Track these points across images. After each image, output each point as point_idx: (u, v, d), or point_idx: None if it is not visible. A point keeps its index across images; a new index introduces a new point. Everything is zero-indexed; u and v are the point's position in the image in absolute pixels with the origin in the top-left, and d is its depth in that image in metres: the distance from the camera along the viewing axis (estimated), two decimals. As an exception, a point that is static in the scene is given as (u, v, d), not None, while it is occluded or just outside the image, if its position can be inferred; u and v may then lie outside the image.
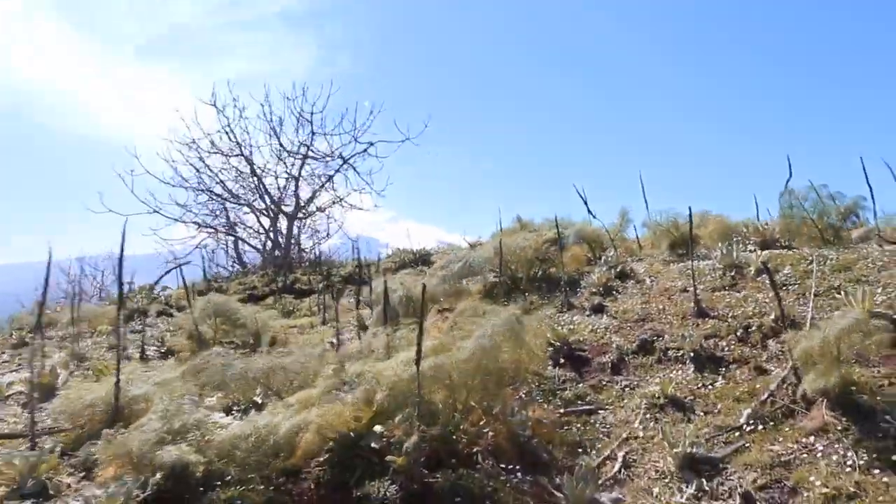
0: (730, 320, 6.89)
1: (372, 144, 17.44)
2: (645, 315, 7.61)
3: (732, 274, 8.05)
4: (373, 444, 5.06)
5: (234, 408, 6.56)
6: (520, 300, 9.10)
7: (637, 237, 11.86)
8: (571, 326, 7.69)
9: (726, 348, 6.46)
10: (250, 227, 18.22)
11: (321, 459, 5.07)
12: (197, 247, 18.40)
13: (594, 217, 11.08)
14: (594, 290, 8.69)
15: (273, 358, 6.15)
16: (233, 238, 18.11)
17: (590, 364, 6.77)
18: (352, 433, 5.17)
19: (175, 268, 12.31)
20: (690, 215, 8.09)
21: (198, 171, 17.02)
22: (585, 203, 11.11)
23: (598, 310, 8.11)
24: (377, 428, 5.14)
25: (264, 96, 17.48)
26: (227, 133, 16.81)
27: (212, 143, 16.96)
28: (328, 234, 20.13)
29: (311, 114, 17.64)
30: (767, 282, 7.49)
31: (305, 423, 4.98)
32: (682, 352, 6.52)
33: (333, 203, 18.66)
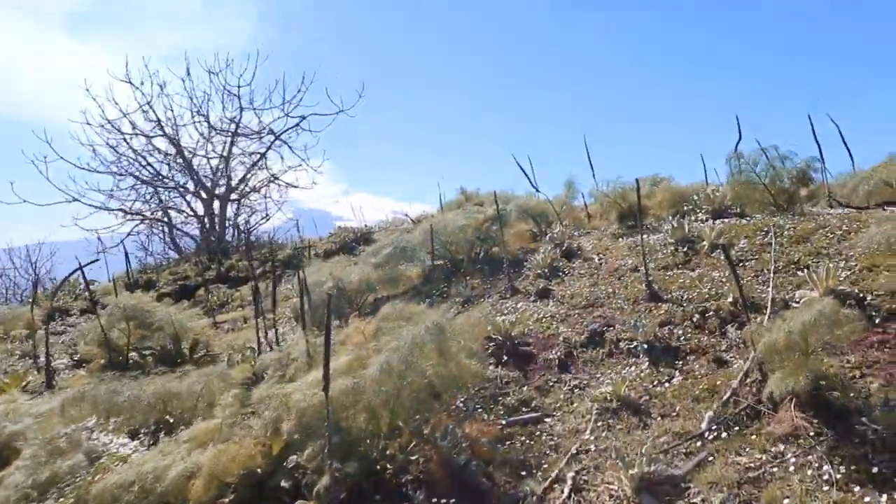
0: (685, 304, 6.27)
1: (304, 118, 16.42)
2: (594, 300, 6.96)
3: (685, 250, 7.44)
4: (283, 483, 4.32)
5: (142, 431, 5.72)
6: (460, 285, 8.39)
7: (585, 207, 11.22)
8: (515, 316, 7.00)
9: (682, 337, 5.85)
10: (184, 212, 17.06)
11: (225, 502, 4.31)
12: (129, 234, 17.21)
13: (537, 190, 10.38)
14: (539, 271, 8.01)
15: (168, 381, 5.28)
16: (164, 224, 16.94)
17: (535, 360, 6.10)
18: (259, 470, 4.41)
19: (90, 262, 11.15)
20: (638, 188, 7.40)
21: (118, 153, 15.77)
22: (525, 174, 10.39)
23: (544, 294, 7.44)
24: (290, 459, 4.39)
25: (185, 70, 16.17)
26: (144, 112, 15.55)
27: (131, 123, 15.70)
28: (267, 215, 19.08)
29: (238, 87, 16.49)
30: (723, 258, 6.92)
31: (198, 466, 4.18)
32: (634, 343, 5.88)
33: (269, 182, 17.59)
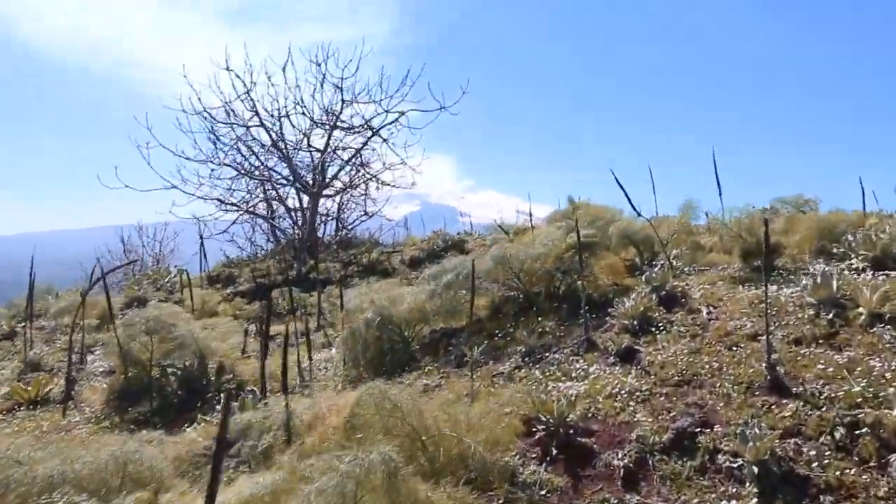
0: (823, 406, 4.26)
1: (403, 114, 15.09)
2: (691, 376, 5.04)
3: (830, 316, 5.30)
4: None
5: None
6: (527, 329, 6.69)
7: (701, 235, 9.13)
8: (583, 386, 5.22)
9: (816, 462, 3.88)
10: (278, 205, 16.31)
11: None
12: (234, 222, 16.74)
13: (638, 214, 8.38)
14: (627, 322, 6.13)
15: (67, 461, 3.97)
16: (259, 217, 16.29)
17: (594, 462, 4.32)
18: None
19: (127, 264, 10.44)
20: (767, 229, 5.27)
21: (215, 142, 15.22)
22: (624, 191, 8.45)
23: (627, 357, 5.60)
24: None
25: (287, 60, 15.33)
26: (242, 101, 14.84)
27: (230, 112, 15.05)
28: (366, 212, 17.98)
29: (342, 79, 15.47)
30: (889, 337, 4.79)
31: None
32: (739, 461, 3.98)
33: (366, 180, 16.49)
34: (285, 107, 15.57)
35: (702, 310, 6.15)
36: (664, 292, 6.54)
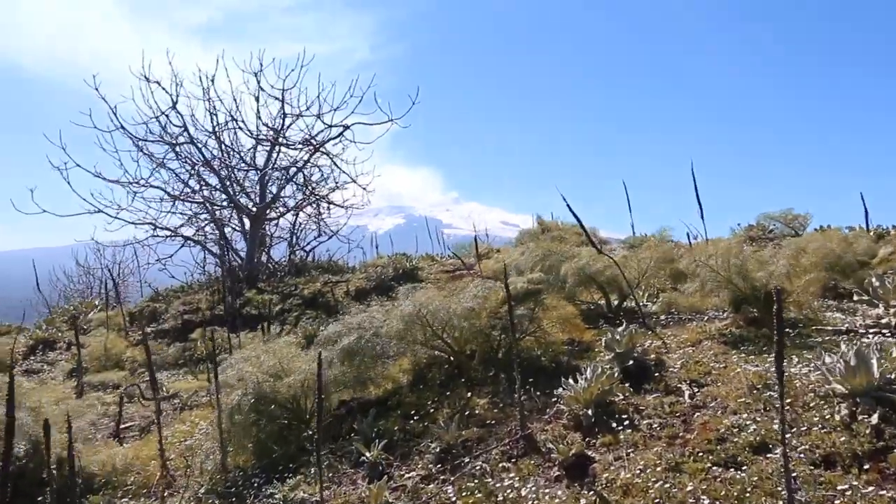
0: None
1: (347, 128, 13.28)
2: (667, 514, 3.26)
3: (875, 420, 3.52)
4: None
5: None
6: (457, 404, 4.90)
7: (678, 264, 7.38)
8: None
9: None
10: (221, 229, 14.39)
11: None
12: (181, 247, 14.81)
13: (598, 250, 6.57)
14: (579, 409, 4.33)
15: None
16: (192, 242, 14.38)
17: None
18: None
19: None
20: (779, 302, 3.48)
21: (136, 162, 13.35)
22: (580, 223, 6.75)
23: (577, 471, 3.79)
24: None
25: (215, 70, 13.50)
26: (166, 116, 12.94)
27: (147, 129, 13.12)
28: (320, 233, 16.12)
29: (283, 90, 13.66)
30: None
31: None
32: None
33: (311, 201, 14.63)
34: (217, 123, 13.72)
35: (683, 390, 4.35)
36: (631, 361, 4.74)
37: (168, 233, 14.38)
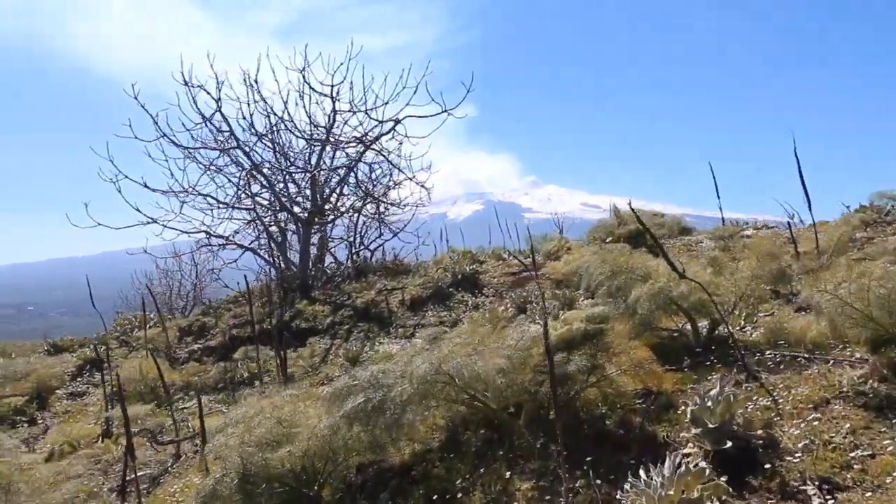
0: None
1: (399, 122, 12.11)
2: None
3: None
4: None
5: None
6: (495, 484, 3.66)
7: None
8: None
9: None
10: (271, 235, 13.60)
11: None
12: (242, 254, 14.19)
13: (681, 274, 5.05)
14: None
15: None
16: (245, 249, 13.67)
17: None
18: None
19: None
20: None
21: (182, 171, 12.63)
22: (647, 231, 5.33)
23: None
24: None
25: (257, 69, 12.61)
26: (207, 122, 12.16)
27: (192, 135, 12.37)
28: (380, 235, 15.11)
29: (332, 86, 12.65)
30: None
31: None
32: None
33: (368, 202, 13.60)
34: (268, 125, 12.86)
35: (810, 497, 2.94)
36: (729, 441, 3.34)
37: (222, 241, 13.74)
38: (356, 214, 14.04)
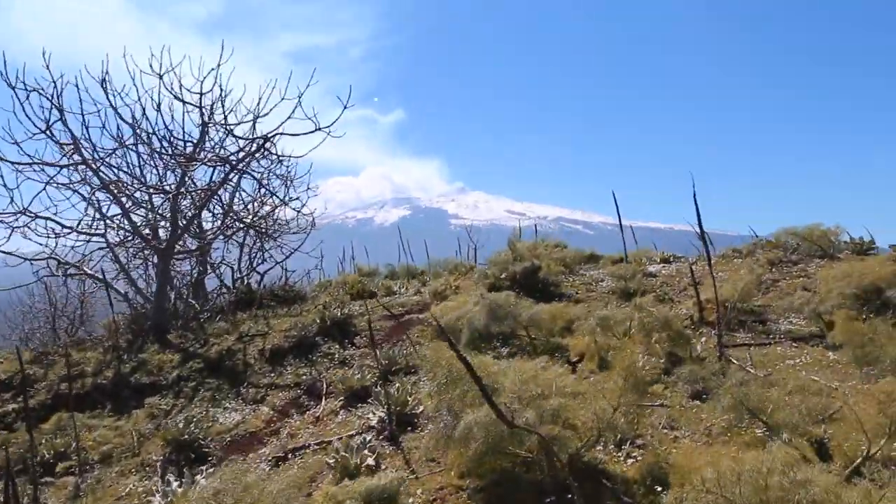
0: None
1: (267, 139, 10.51)
2: None
3: None
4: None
5: None
6: None
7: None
8: None
9: None
10: (122, 265, 11.73)
11: None
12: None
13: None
14: None
15: None
16: (94, 279, 11.73)
17: None
18: None
19: None
20: None
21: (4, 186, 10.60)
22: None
23: None
24: None
25: (103, 72, 10.74)
26: (46, 130, 10.20)
27: (20, 148, 10.36)
28: (250, 266, 13.49)
29: (201, 95, 10.93)
30: None
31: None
32: None
33: (237, 229, 11.92)
34: (119, 135, 11.00)
35: None
36: None
37: (71, 269, 11.76)
38: (225, 242, 12.38)
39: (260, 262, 13.83)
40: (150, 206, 11.45)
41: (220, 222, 11.50)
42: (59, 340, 12.32)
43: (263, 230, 12.26)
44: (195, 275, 12.89)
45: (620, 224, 12.02)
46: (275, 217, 12.74)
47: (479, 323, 7.98)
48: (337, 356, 8.83)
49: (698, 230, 8.40)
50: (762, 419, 3.61)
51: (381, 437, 5.41)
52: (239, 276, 13.62)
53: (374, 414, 5.75)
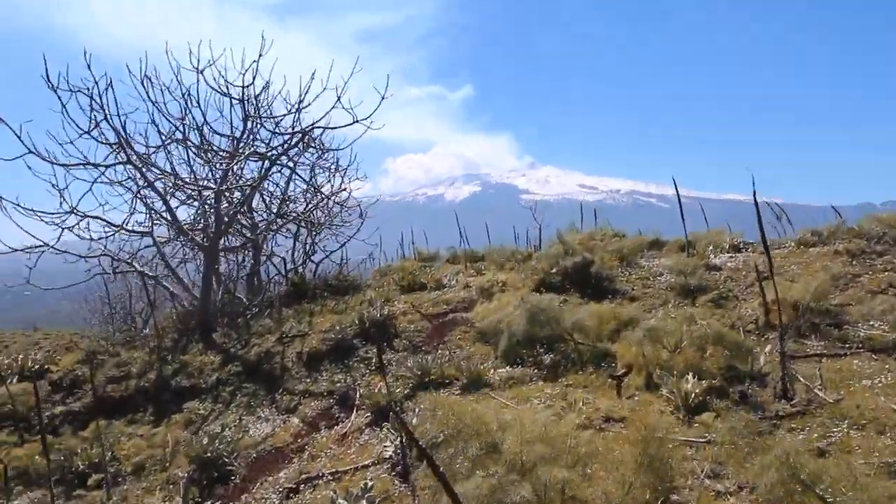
0: None
1: (306, 134, 10.10)
2: None
3: None
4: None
5: None
6: None
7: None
8: None
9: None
10: (168, 263, 11.70)
11: None
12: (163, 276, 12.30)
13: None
14: None
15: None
16: (145, 276, 11.73)
17: None
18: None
19: None
20: None
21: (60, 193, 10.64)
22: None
23: None
24: None
25: (143, 63, 10.55)
26: (90, 131, 10.12)
27: (63, 149, 10.30)
28: (306, 257, 13.31)
29: (244, 88, 10.64)
30: None
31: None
32: None
33: (288, 221, 11.66)
34: (162, 132, 10.86)
35: None
36: None
37: (124, 265, 11.81)
38: (266, 238, 12.16)
39: (312, 252, 13.65)
40: (199, 202, 11.31)
41: (270, 215, 11.23)
42: (113, 336, 12.47)
43: (313, 222, 11.99)
44: (248, 268, 12.79)
45: (681, 207, 11.00)
46: (327, 208, 12.44)
47: (519, 329, 7.34)
48: (374, 361, 8.39)
49: (762, 224, 7.41)
50: (821, 496, 2.86)
51: (394, 471, 4.91)
52: (293, 266, 13.48)
53: (391, 443, 5.25)
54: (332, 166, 12.08)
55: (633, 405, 5.62)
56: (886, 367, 5.94)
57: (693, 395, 5.27)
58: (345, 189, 12.08)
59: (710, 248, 11.32)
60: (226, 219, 10.74)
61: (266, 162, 10.43)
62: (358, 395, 7.44)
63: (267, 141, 10.84)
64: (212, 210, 11.02)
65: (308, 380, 8.42)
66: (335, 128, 9.91)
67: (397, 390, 6.98)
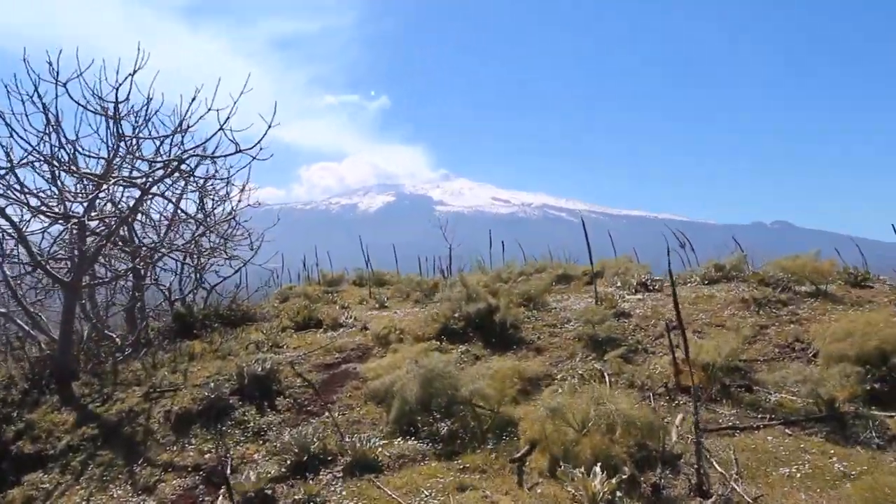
0: None
1: (182, 162, 8.94)
2: None
3: None
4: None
5: None
6: None
7: None
8: None
9: None
10: (22, 302, 10.15)
11: None
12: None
13: None
14: None
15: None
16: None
17: None
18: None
19: None
20: None
21: None
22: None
23: None
24: None
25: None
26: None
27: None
28: (202, 281, 12.12)
29: (117, 103, 9.32)
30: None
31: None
32: None
33: (142, 259, 10.34)
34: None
35: None
36: None
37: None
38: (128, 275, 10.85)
39: (201, 280, 12.39)
40: (66, 227, 9.85)
41: (153, 242, 9.95)
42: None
43: (200, 250, 10.80)
44: (126, 302, 11.39)
45: (587, 238, 10.52)
46: (218, 234, 11.27)
47: (412, 395, 6.53)
48: (252, 425, 7.36)
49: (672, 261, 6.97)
50: None
51: None
52: (180, 295, 12.18)
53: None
54: (223, 190, 10.94)
55: (535, 502, 4.92)
56: (801, 445, 5.55)
57: (602, 493, 4.61)
58: (233, 216, 10.95)
59: (618, 284, 10.98)
60: (90, 252, 9.36)
61: (138, 190, 9.15)
62: (229, 469, 6.40)
63: (148, 165, 9.56)
64: (75, 241, 9.62)
65: (175, 447, 7.26)
66: (215, 157, 8.78)
67: (271, 471, 5.99)
